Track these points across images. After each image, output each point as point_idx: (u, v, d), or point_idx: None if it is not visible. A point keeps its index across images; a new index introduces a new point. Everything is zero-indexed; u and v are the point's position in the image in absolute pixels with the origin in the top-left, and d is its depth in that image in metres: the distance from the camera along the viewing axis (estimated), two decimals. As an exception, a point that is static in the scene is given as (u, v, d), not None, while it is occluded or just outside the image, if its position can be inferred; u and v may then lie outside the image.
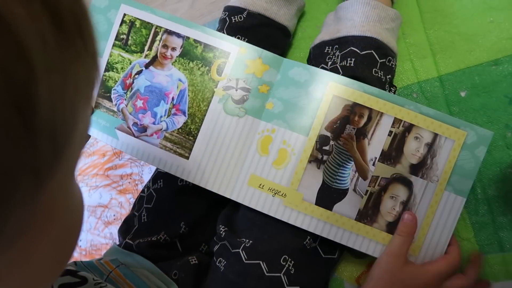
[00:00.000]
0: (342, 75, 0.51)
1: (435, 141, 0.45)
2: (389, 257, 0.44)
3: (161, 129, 0.50)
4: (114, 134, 0.51)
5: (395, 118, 0.45)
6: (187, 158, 0.49)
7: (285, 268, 0.47)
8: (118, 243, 0.56)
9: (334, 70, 0.52)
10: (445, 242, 0.44)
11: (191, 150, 0.49)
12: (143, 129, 0.50)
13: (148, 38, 0.51)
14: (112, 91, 0.51)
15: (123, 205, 0.70)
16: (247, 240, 0.48)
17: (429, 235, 0.44)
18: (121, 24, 0.52)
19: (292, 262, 0.47)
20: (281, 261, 0.47)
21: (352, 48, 0.51)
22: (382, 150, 0.45)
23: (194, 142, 0.49)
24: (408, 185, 0.45)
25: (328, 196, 0.46)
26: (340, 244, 0.46)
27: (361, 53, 0.51)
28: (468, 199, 0.56)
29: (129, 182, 0.70)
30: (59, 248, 0.23)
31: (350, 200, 0.45)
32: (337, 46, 0.53)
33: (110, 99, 0.52)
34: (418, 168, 0.45)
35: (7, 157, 0.14)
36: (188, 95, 0.49)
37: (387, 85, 0.53)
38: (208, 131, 0.49)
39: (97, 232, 0.72)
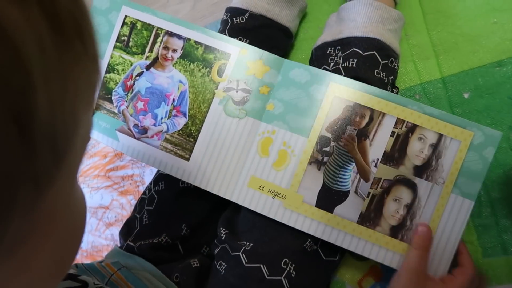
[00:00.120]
0: (344, 76, 0.47)
1: (440, 141, 0.40)
2: (408, 274, 0.39)
3: (162, 131, 0.46)
4: (115, 136, 0.47)
5: (397, 118, 0.41)
6: (188, 159, 0.45)
7: (286, 272, 0.43)
8: (119, 245, 0.52)
9: (336, 71, 0.48)
10: (453, 248, 0.39)
11: (191, 151, 0.45)
12: (144, 130, 0.47)
13: (149, 39, 0.47)
14: (113, 93, 0.48)
15: (124, 206, 0.66)
16: (247, 243, 0.44)
17: (436, 240, 0.39)
18: (122, 26, 0.48)
19: (293, 265, 0.43)
20: (282, 264, 0.43)
21: (354, 49, 0.47)
22: (385, 151, 0.41)
23: (194, 143, 0.45)
24: (412, 187, 0.40)
25: (329, 198, 0.42)
26: (342, 247, 0.42)
27: (364, 54, 0.47)
28: (472, 202, 0.52)
29: (130, 184, 0.66)
30: (61, 253, 0.21)
31: (352, 202, 0.41)
32: (339, 47, 0.49)
33: (111, 101, 0.48)
34: (423, 169, 0.40)
35: (4, 168, 0.13)
36: (189, 97, 0.46)
37: (389, 86, 0.49)
38: (209, 132, 0.45)
39: (98, 234, 0.68)
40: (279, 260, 0.43)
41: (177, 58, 0.47)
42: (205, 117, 0.45)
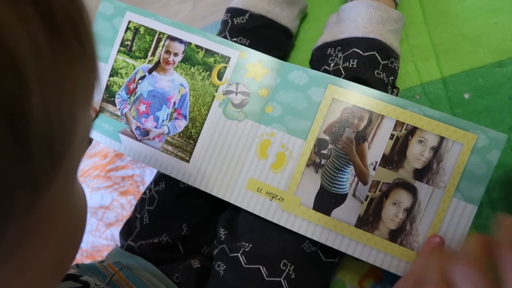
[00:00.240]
0: (344, 76, 0.43)
1: (441, 144, 0.36)
2: (414, 282, 0.33)
3: (163, 133, 0.43)
4: (118, 138, 0.45)
5: (397, 121, 0.37)
6: (188, 161, 0.42)
7: (285, 273, 0.40)
8: (119, 245, 0.50)
9: (336, 71, 0.44)
10: None
11: (191, 153, 0.42)
12: (146, 133, 0.44)
13: (151, 44, 0.45)
14: (116, 96, 0.45)
15: (125, 206, 0.63)
16: (246, 244, 0.41)
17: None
18: (126, 31, 0.45)
19: (292, 266, 0.40)
20: (281, 265, 0.40)
21: (354, 49, 0.44)
22: (383, 154, 0.37)
23: (194, 145, 0.42)
24: (412, 191, 0.36)
25: (326, 201, 0.38)
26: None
27: (364, 54, 0.43)
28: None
29: (130, 184, 0.63)
30: (61, 253, 0.19)
31: (349, 205, 0.38)
32: (339, 47, 0.46)
33: (114, 104, 0.45)
34: (423, 173, 0.36)
35: (0, 172, 0.11)
36: (189, 100, 0.43)
37: (390, 87, 0.46)
38: (208, 135, 0.42)
39: (98, 234, 0.65)
40: (278, 261, 0.40)
41: (178, 61, 0.44)
42: (205, 119, 0.42)
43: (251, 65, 0.42)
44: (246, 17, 0.50)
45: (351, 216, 0.38)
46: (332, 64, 0.46)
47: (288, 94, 0.41)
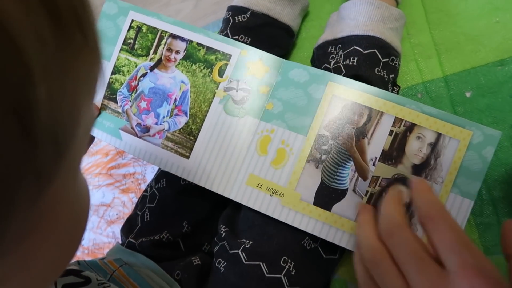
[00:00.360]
0: (344, 74, 0.44)
1: (438, 141, 0.37)
2: None
3: (163, 129, 0.44)
4: (118, 135, 0.46)
5: (396, 117, 0.38)
6: (188, 157, 0.43)
7: (285, 269, 0.40)
8: (120, 242, 0.50)
9: (337, 69, 0.45)
10: None
11: (191, 149, 0.43)
12: (146, 129, 0.45)
13: (153, 42, 0.46)
14: (118, 93, 0.47)
15: (126, 204, 0.64)
16: (247, 241, 0.42)
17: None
18: (129, 30, 0.47)
19: (293, 263, 0.41)
20: (281, 262, 0.41)
21: (355, 47, 0.45)
22: (383, 150, 0.38)
23: (194, 142, 0.43)
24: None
25: (327, 196, 0.39)
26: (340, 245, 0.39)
27: (364, 52, 0.44)
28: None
29: (132, 181, 0.64)
30: (63, 245, 0.20)
31: (350, 200, 0.39)
32: (340, 45, 0.47)
33: (115, 101, 0.47)
34: (421, 168, 0.37)
35: (6, 163, 0.12)
36: (190, 96, 0.44)
37: (390, 84, 0.46)
38: (209, 131, 0.43)
39: (99, 231, 0.66)
40: (278, 258, 0.41)
41: (180, 59, 0.45)
42: (206, 116, 0.43)
43: (252, 63, 0.43)
44: (248, 15, 0.51)
45: (351, 211, 0.39)
46: (332, 62, 0.47)
47: (288, 91, 0.42)
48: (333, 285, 0.50)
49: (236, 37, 0.50)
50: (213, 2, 0.67)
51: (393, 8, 0.47)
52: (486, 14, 0.52)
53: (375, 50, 0.44)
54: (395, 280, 0.27)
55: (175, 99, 0.45)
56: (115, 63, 0.47)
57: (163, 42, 0.46)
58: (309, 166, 0.40)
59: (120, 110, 0.46)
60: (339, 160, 0.39)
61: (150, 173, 0.64)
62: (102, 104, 0.47)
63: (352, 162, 0.39)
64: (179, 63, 0.45)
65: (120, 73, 0.47)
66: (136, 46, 0.47)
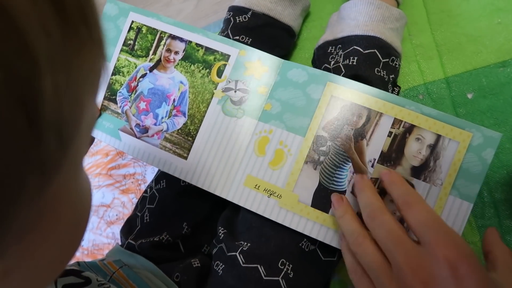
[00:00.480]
0: (344, 74, 0.44)
1: (438, 142, 0.37)
2: None
3: (162, 130, 0.44)
4: (117, 135, 0.46)
5: (395, 118, 0.38)
6: (186, 158, 0.43)
7: (283, 272, 0.40)
8: (120, 243, 0.50)
9: (336, 69, 0.45)
10: None
11: (189, 150, 0.43)
12: (145, 130, 0.45)
13: (153, 43, 0.46)
14: (118, 94, 0.47)
15: (126, 205, 0.64)
16: (245, 243, 0.41)
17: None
18: (129, 31, 0.47)
19: (291, 265, 0.40)
20: (279, 264, 0.40)
21: (355, 47, 0.44)
22: (382, 151, 0.38)
23: (192, 142, 0.43)
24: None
25: (325, 198, 0.39)
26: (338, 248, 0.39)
27: (364, 52, 0.44)
28: (475, 203, 0.48)
29: (132, 182, 0.64)
30: (62, 245, 0.20)
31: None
32: (340, 45, 0.47)
33: (115, 102, 0.47)
34: (420, 170, 0.37)
35: (13, 154, 0.12)
36: (189, 97, 0.44)
37: (390, 85, 0.46)
38: (207, 132, 0.43)
39: (99, 232, 0.66)
40: (276, 261, 0.40)
41: (179, 60, 0.45)
42: (204, 116, 0.43)
43: (251, 63, 0.43)
44: (249, 16, 0.51)
45: (348, 214, 0.38)
46: (332, 62, 0.46)
47: (287, 91, 0.41)
48: (333, 286, 0.49)
49: (237, 37, 0.50)
50: (214, 2, 0.67)
51: (394, 8, 0.46)
52: (488, 15, 0.52)
53: (375, 50, 0.44)
54: (375, 257, 0.31)
55: (174, 100, 0.45)
56: (115, 64, 0.47)
57: (163, 42, 0.46)
58: (307, 168, 0.40)
59: (119, 111, 0.46)
60: (338, 162, 0.39)
61: (150, 173, 0.64)
62: (102, 105, 0.47)
63: (350, 164, 0.39)
64: (178, 64, 0.45)
65: (120, 74, 0.47)
66: (136, 47, 0.47)
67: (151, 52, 0.46)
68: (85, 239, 0.66)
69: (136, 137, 0.45)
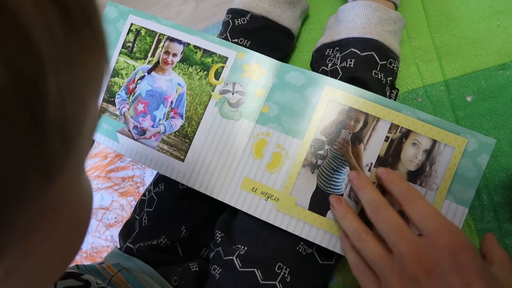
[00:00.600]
0: (341, 76, 0.44)
1: (434, 147, 0.37)
2: None
3: (159, 132, 0.45)
4: (115, 137, 0.46)
5: (392, 123, 0.38)
6: (183, 160, 0.43)
7: (280, 276, 0.40)
8: (119, 246, 0.50)
9: (334, 71, 0.45)
10: None
11: (186, 152, 0.43)
12: (143, 132, 0.45)
13: (151, 45, 0.46)
14: (116, 96, 0.47)
15: (124, 207, 0.64)
16: (242, 247, 0.41)
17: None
18: (128, 33, 0.47)
19: (288, 269, 0.40)
20: (276, 268, 0.40)
21: (352, 49, 0.44)
22: (378, 155, 0.38)
23: (190, 144, 0.43)
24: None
25: (322, 201, 0.39)
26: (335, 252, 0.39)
27: (362, 54, 0.44)
28: (474, 206, 0.48)
29: (130, 185, 0.64)
30: (63, 246, 0.20)
31: (344, 206, 0.38)
32: (337, 48, 0.47)
33: (114, 104, 0.47)
34: (417, 175, 0.37)
35: (17, 154, 0.12)
36: (186, 99, 0.44)
37: (388, 87, 0.46)
38: (204, 134, 0.43)
39: (98, 235, 0.66)
40: (273, 264, 0.40)
41: (177, 62, 0.45)
42: (201, 118, 0.43)
43: (249, 66, 0.43)
44: (247, 18, 0.51)
45: (344, 217, 0.38)
46: (330, 64, 0.47)
47: (284, 94, 0.42)
48: (332, 290, 0.49)
49: (236, 40, 0.50)
50: (213, 4, 0.67)
51: (391, 11, 0.46)
52: (487, 17, 0.51)
53: (373, 53, 0.44)
54: (377, 250, 0.33)
55: (172, 102, 0.45)
56: (114, 66, 0.48)
57: (161, 45, 0.46)
58: (305, 171, 0.40)
59: (118, 113, 0.47)
60: (335, 165, 0.39)
61: (148, 176, 0.64)
62: (101, 107, 0.47)
63: (347, 168, 0.39)
64: (176, 66, 0.45)
65: (119, 76, 0.47)
66: (134, 49, 0.47)
67: (149, 54, 0.46)
68: (84, 241, 0.66)
69: (134, 139, 0.45)
